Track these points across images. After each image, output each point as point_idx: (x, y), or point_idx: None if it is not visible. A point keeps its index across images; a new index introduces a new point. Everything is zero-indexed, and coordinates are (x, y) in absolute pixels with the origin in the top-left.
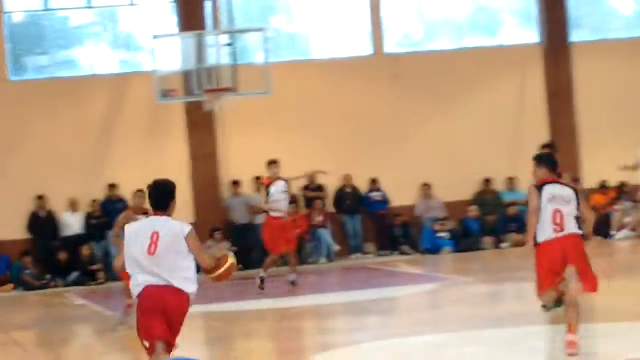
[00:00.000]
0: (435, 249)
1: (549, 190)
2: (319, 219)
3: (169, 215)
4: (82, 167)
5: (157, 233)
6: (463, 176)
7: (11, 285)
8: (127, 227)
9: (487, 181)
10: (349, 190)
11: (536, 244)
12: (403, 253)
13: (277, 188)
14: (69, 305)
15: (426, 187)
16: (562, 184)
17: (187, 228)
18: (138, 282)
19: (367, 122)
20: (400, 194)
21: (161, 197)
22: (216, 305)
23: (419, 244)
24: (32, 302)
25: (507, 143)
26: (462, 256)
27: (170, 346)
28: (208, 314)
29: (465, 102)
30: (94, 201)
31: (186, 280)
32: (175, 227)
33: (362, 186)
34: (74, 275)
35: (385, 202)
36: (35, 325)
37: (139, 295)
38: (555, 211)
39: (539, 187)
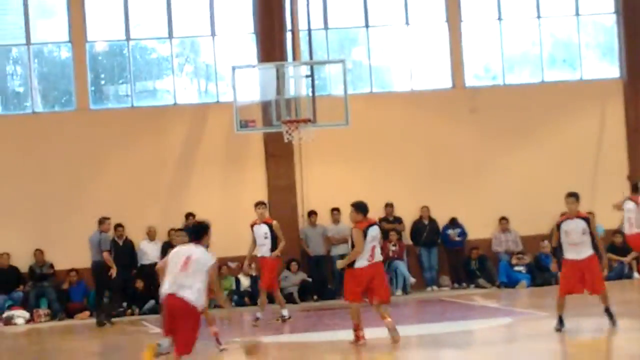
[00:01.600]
0: (511, 283)
1: (371, 233)
2: (394, 249)
3: (204, 245)
4: (160, 196)
5: (190, 257)
6: (540, 210)
7: (87, 313)
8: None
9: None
10: (425, 222)
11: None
12: (479, 286)
13: (260, 231)
14: (145, 332)
15: (503, 221)
16: (377, 224)
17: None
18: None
19: (446, 155)
20: (477, 227)
21: (196, 232)
22: (291, 336)
23: (495, 278)
24: (108, 329)
25: (586, 178)
26: (538, 290)
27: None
28: (282, 344)
29: (544, 136)
30: (172, 230)
31: (199, 292)
32: (202, 253)
33: (439, 217)
34: (151, 303)
35: (462, 237)
36: (111, 353)
37: (164, 301)
38: (373, 247)
39: (365, 229)
